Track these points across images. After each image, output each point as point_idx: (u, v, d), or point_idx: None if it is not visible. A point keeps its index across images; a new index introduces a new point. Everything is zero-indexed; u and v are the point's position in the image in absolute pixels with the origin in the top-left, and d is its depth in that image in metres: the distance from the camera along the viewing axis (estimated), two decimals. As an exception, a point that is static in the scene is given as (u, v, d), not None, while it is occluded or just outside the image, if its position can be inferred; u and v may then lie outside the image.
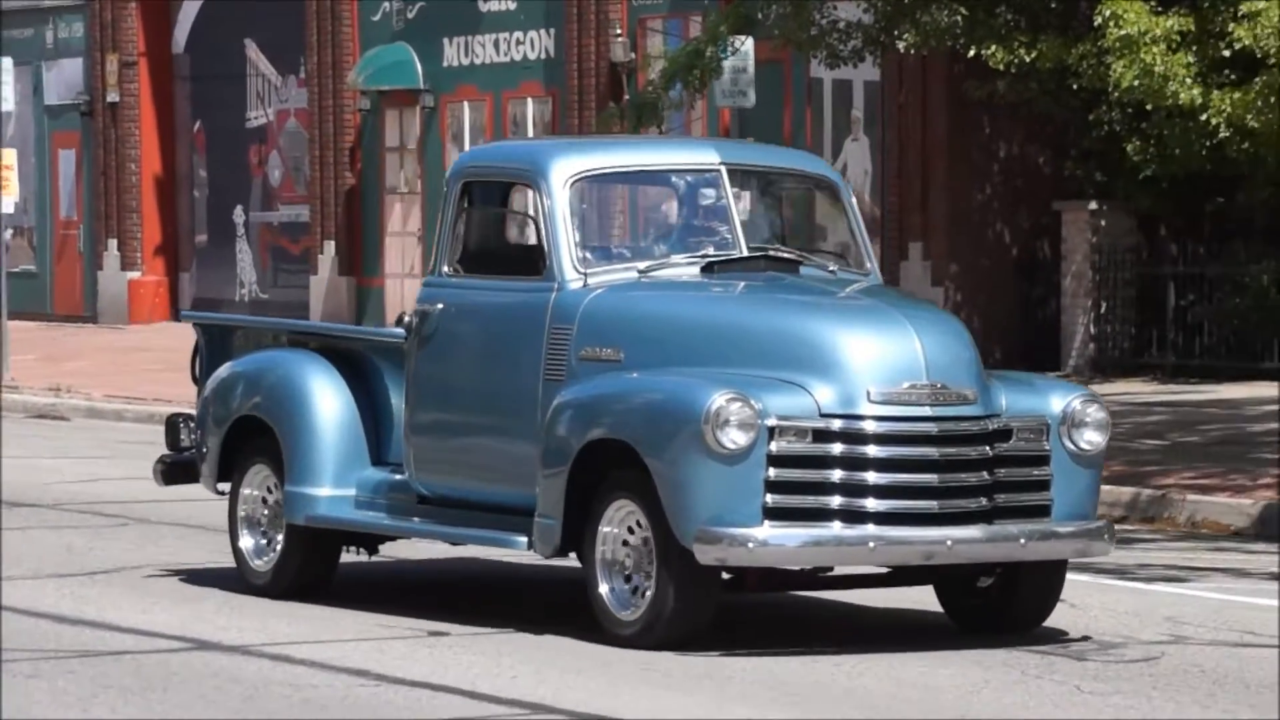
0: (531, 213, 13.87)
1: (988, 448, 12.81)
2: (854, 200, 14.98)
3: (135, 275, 50.89)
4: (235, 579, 15.54)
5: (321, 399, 14.57)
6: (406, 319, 14.37)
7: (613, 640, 12.91)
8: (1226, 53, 29.77)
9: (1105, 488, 20.82)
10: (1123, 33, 29.33)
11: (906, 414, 12.58)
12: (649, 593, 12.64)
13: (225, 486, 15.28)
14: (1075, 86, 31.46)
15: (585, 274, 13.57)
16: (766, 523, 12.41)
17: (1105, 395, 31.38)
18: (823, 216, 15.13)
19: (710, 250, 13.97)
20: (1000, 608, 13.55)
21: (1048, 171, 35.04)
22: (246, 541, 15.07)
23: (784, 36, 32.56)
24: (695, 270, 13.89)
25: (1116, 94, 30.39)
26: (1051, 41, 30.81)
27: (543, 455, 13.04)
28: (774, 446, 12.37)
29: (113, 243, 51.14)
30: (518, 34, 43.48)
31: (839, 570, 13.51)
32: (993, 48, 31.28)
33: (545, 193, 13.68)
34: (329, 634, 13.88)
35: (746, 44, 30.33)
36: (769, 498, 12.40)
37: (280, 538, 14.80)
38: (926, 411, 12.60)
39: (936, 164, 36.11)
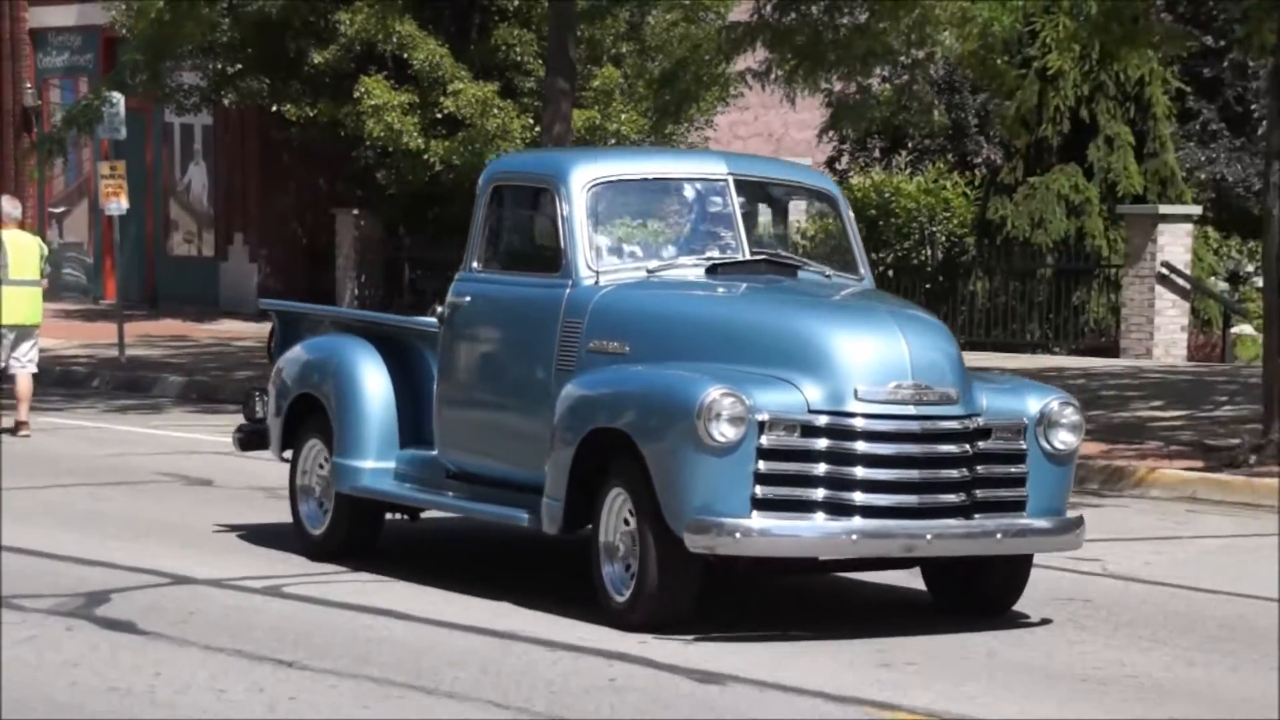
0: (552, 215, 12.78)
1: (968, 446, 11.54)
2: (850, 212, 13.78)
3: None
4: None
5: (366, 381, 13.68)
6: (440, 310, 13.35)
7: (611, 619, 11.53)
8: (439, 115, 34.09)
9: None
10: (372, 102, 33.72)
11: (891, 412, 11.33)
12: (635, 576, 11.43)
13: (290, 454, 14.46)
14: (343, 133, 34.80)
15: (598, 272, 12.49)
16: (755, 513, 11.16)
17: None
18: (821, 226, 14.34)
19: (715, 253, 12.93)
20: (974, 591, 12.23)
21: (326, 189, 38.46)
22: (303, 507, 14.13)
23: (146, 94, 34.81)
24: (700, 271, 12.80)
25: (369, 140, 34.43)
26: (327, 104, 34.61)
27: (551, 440, 11.89)
28: (764, 440, 11.14)
29: None
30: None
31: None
32: (288, 106, 34.95)
33: (565, 197, 12.65)
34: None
35: (119, 98, 30.76)
36: (758, 489, 11.16)
37: (331, 505, 13.85)
38: (910, 410, 11.35)
39: (251, 182, 39.20)
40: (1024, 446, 11.82)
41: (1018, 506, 11.81)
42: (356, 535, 13.92)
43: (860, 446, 11.38)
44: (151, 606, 12.12)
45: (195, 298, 39.76)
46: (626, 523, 11.65)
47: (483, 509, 13.07)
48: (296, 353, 14.60)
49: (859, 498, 11.36)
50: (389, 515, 14.05)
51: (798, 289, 12.85)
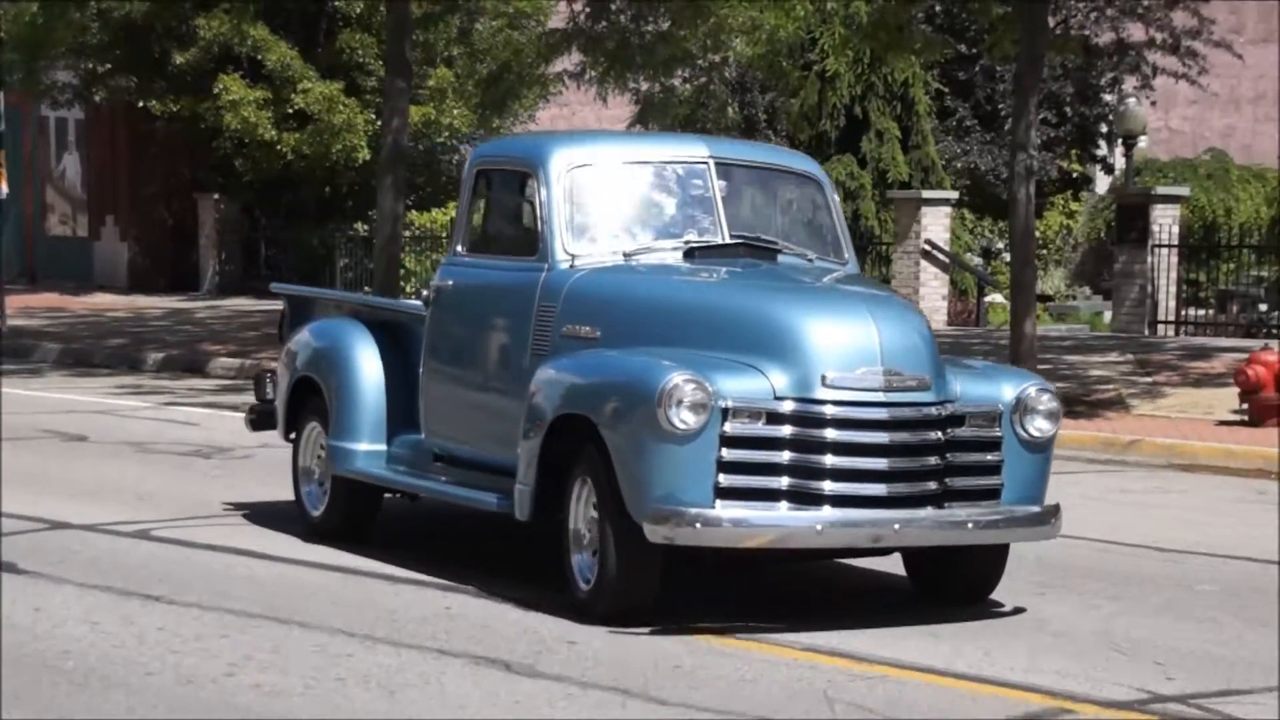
0: (531, 198, 11.37)
1: (939, 433, 10.08)
2: (835, 196, 12.22)
3: None
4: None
5: (361, 365, 12.32)
6: (425, 294, 12.05)
7: (577, 608, 10.15)
8: (290, 110, 34.06)
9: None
10: (230, 98, 33.70)
11: (860, 399, 9.89)
12: (596, 565, 10.08)
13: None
14: (203, 126, 34.67)
15: (573, 256, 11.08)
16: (718, 502, 9.74)
17: (226, 305, 34.01)
18: (805, 209, 12.15)
19: (694, 237, 11.38)
20: (951, 578, 10.73)
21: (189, 176, 37.88)
22: (304, 488, 12.73)
23: (24, 90, 35.84)
24: (678, 255, 11.26)
25: (227, 132, 34.26)
26: (189, 100, 34.44)
27: (522, 425, 10.53)
28: (728, 427, 9.74)
29: None
30: None
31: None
32: (154, 101, 34.81)
33: (544, 180, 11.25)
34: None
35: (-1, 94, 30.27)
36: (721, 478, 9.76)
37: (329, 486, 12.48)
38: (879, 397, 9.90)
39: (121, 169, 38.69)
40: (999, 434, 10.32)
41: (992, 495, 10.29)
42: (354, 517, 12.50)
43: (827, 434, 9.92)
44: (32, 549, 11.90)
45: (71, 274, 39.76)
46: (594, 511, 10.24)
47: (454, 492, 11.57)
48: (300, 336, 13.13)
49: (826, 487, 9.90)
50: (387, 495, 12.58)
51: (773, 273, 11.29)
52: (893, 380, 10.00)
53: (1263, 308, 31.04)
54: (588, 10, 26.77)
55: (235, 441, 17.22)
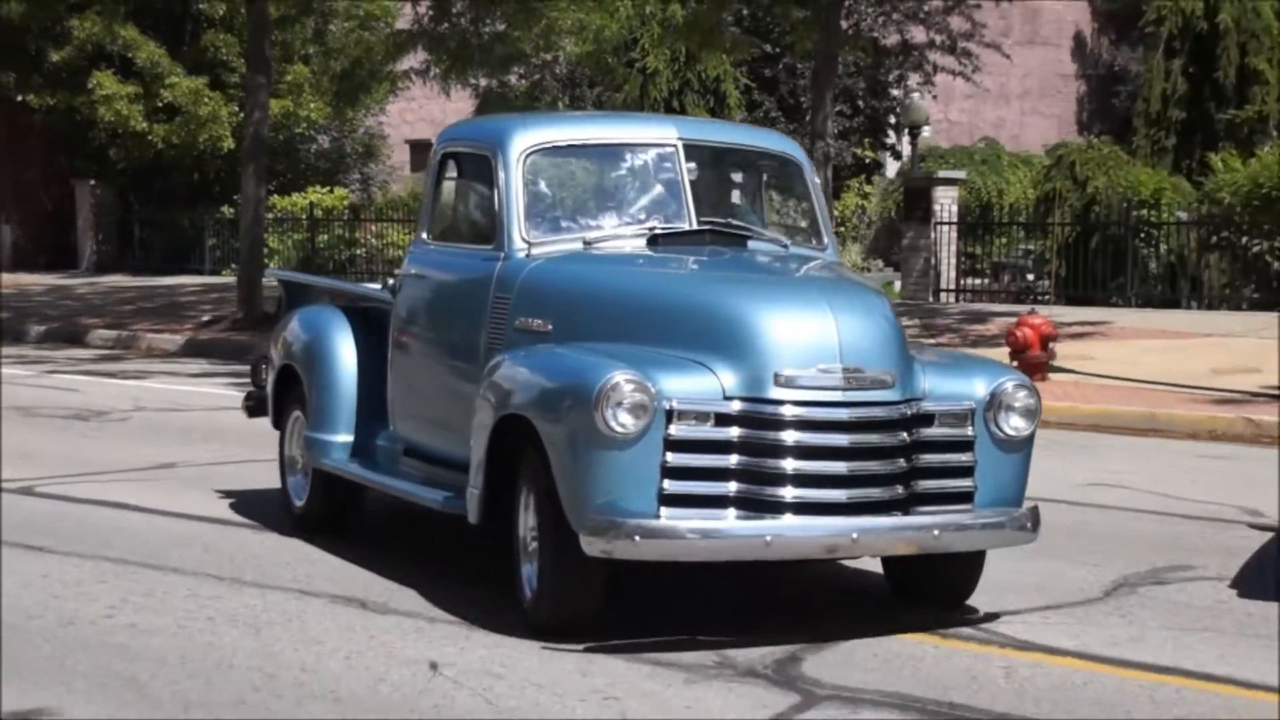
0: (490, 183, 9.66)
1: (905, 434, 8.32)
2: (816, 178, 10.38)
3: None
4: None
5: (336, 355, 10.63)
6: (391, 282, 10.56)
7: (525, 619, 8.42)
8: (160, 104, 34.01)
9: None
10: (103, 93, 33.70)
11: (815, 399, 8.15)
12: (535, 577, 8.41)
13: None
14: (79, 118, 34.67)
15: (530, 244, 9.36)
16: (664, 510, 8.00)
17: (104, 281, 33.70)
18: (784, 193, 10.48)
19: (659, 223, 9.60)
20: (927, 582, 9.00)
21: (66, 164, 37.70)
22: (290, 479, 11.05)
23: None
24: (641, 243, 9.50)
25: (101, 124, 34.22)
26: (65, 94, 34.16)
27: (473, 424, 8.84)
28: (673, 430, 8.02)
29: None
30: None
31: None
32: (31, 95, 34.57)
33: (502, 164, 9.53)
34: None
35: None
36: (667, 484, 8.02)
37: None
38: (838, 396, 8.16)
39: (2, 158, 38.09)
40: (971, 434, 8.48)
41: (965, 498, 8.47)
42: (333, 508, 10.78)
43: (780, 437, 8.11)
44: (-76, 504, 11.53)
45: (-44, 254, 39.16)
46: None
47: (402, 488, 9.81)
48: (288, 324, 11.33)
49: (779, 493, 8.10)
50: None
51: (735, 263, 9.40)
52: (853, 378, 8.22)
53: (1030, 277, 31.35)
54: (431, 13, 26.68)
55: (112, 405, 16.96)
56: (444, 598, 9.09)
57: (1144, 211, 28.74)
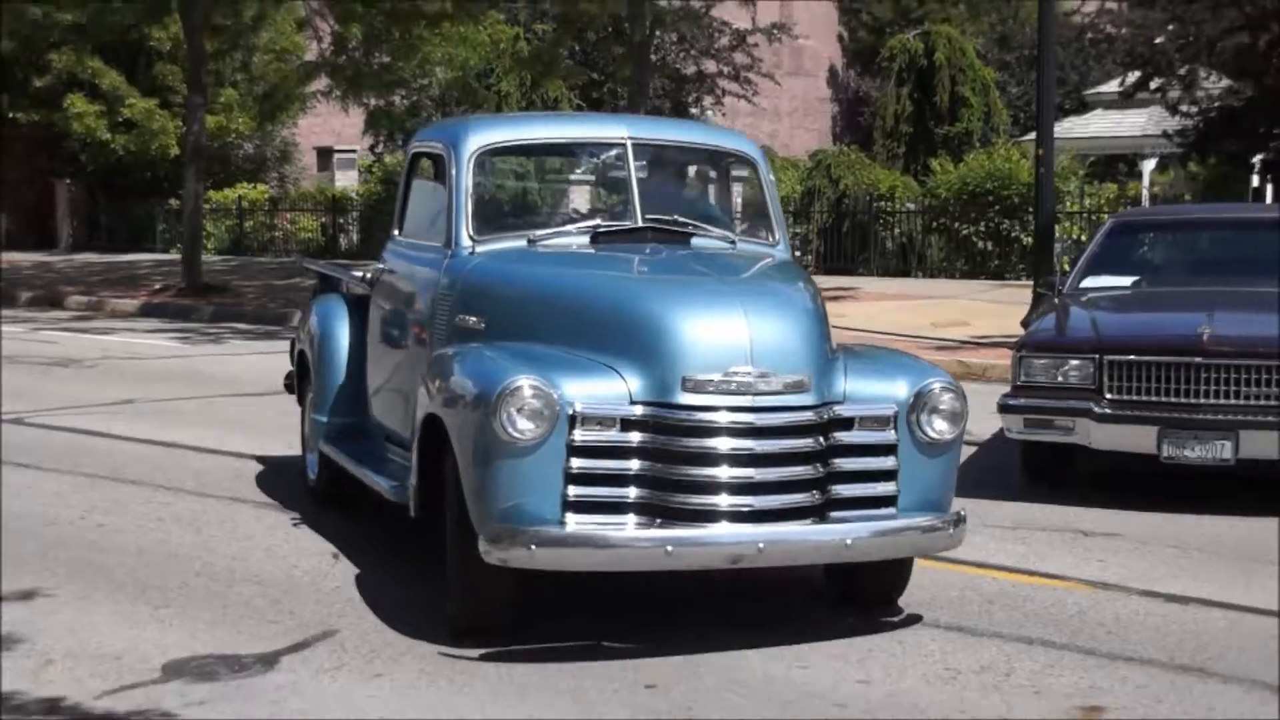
0: (444, 181, 7.84)
1: (820, 439, 6.42)
2: (770, 176, 8.21)
3: None
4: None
5: (333, 341, 8.90)
6: (368, 275, 8.75)
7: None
8: (120, 120, 32.84)
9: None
10: (76, 111, 32.98)
11: (723, 403, 6.31)
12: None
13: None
14: (57, 131, 33.58)
15: (475, 241, 7.54)
16: (569, 517, 6.18)
17: (77, 259, 32.51)
18: (735, 189, 8.58)
19: (604, 221, 7.71)
20: (856, 583, 7.00)
21: (48, 166, 36.43)
22: (308, 455, 9.10)
23: None
24: (585, 240, 7.58)
25: (75, 136, 33.15)
26: (46, 112, 32.95)
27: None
28: (577, 435, 6.21)
29: None
30: None
31: None
32: (19, 113, 33.36)
33: (454, 161, 7.74)
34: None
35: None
36: (571, 490, 6.21)
37: None
38: (746, 401, 6.32)
39: None
40: (893, 437, 6.56)
41: (887, 503, 6.55)
42: (339, 486, 8.77)
43: (685, 443, 6.30)
44: (-66, 433, 11.23)
45: (-38, 236, 38.31)
46: None
47: (364, 473, 7.98)
48: (307, 311, 9.46)
49: (683, 501, 6.28)
50: None
51: (663, 263, 7.34)
52: (764, 381, 6.39)
53: (797, 254, 31.55)
54: (332, 48, 26.53)
55: (84, 355, 16.57)
56: (361, 532, 8.23)
57: (882, 203, 29.08)
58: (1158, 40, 22.45)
